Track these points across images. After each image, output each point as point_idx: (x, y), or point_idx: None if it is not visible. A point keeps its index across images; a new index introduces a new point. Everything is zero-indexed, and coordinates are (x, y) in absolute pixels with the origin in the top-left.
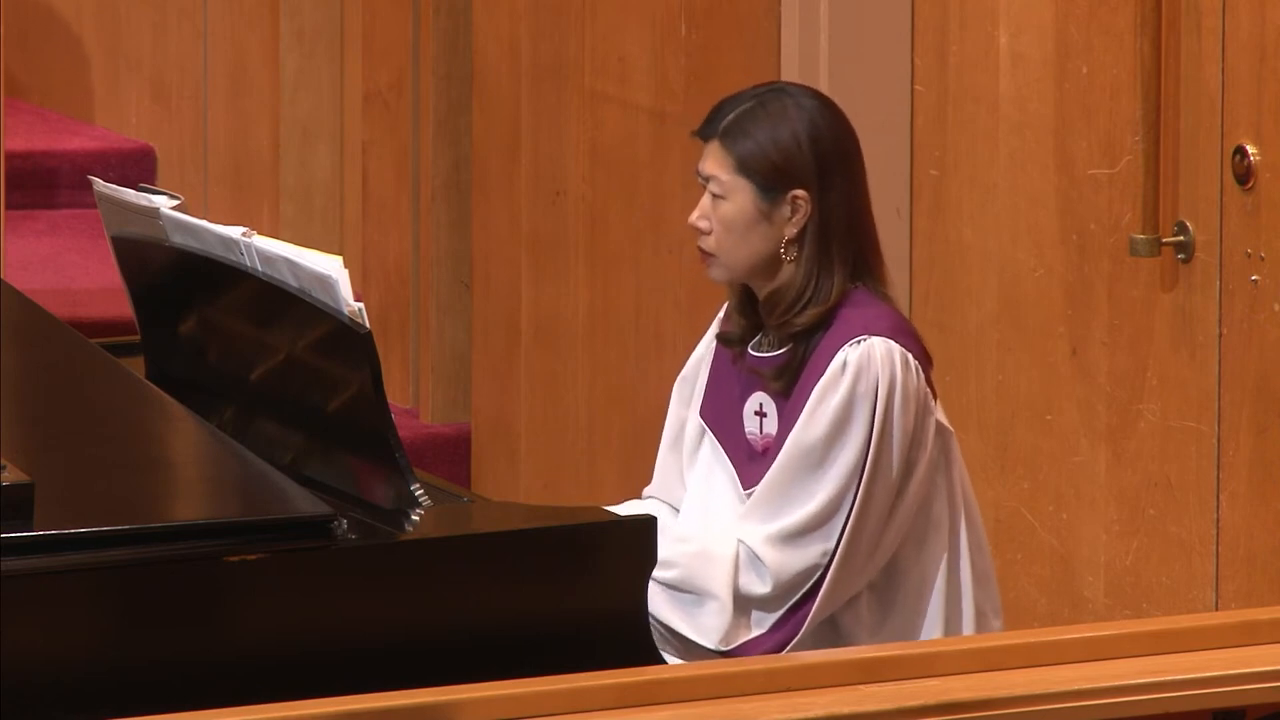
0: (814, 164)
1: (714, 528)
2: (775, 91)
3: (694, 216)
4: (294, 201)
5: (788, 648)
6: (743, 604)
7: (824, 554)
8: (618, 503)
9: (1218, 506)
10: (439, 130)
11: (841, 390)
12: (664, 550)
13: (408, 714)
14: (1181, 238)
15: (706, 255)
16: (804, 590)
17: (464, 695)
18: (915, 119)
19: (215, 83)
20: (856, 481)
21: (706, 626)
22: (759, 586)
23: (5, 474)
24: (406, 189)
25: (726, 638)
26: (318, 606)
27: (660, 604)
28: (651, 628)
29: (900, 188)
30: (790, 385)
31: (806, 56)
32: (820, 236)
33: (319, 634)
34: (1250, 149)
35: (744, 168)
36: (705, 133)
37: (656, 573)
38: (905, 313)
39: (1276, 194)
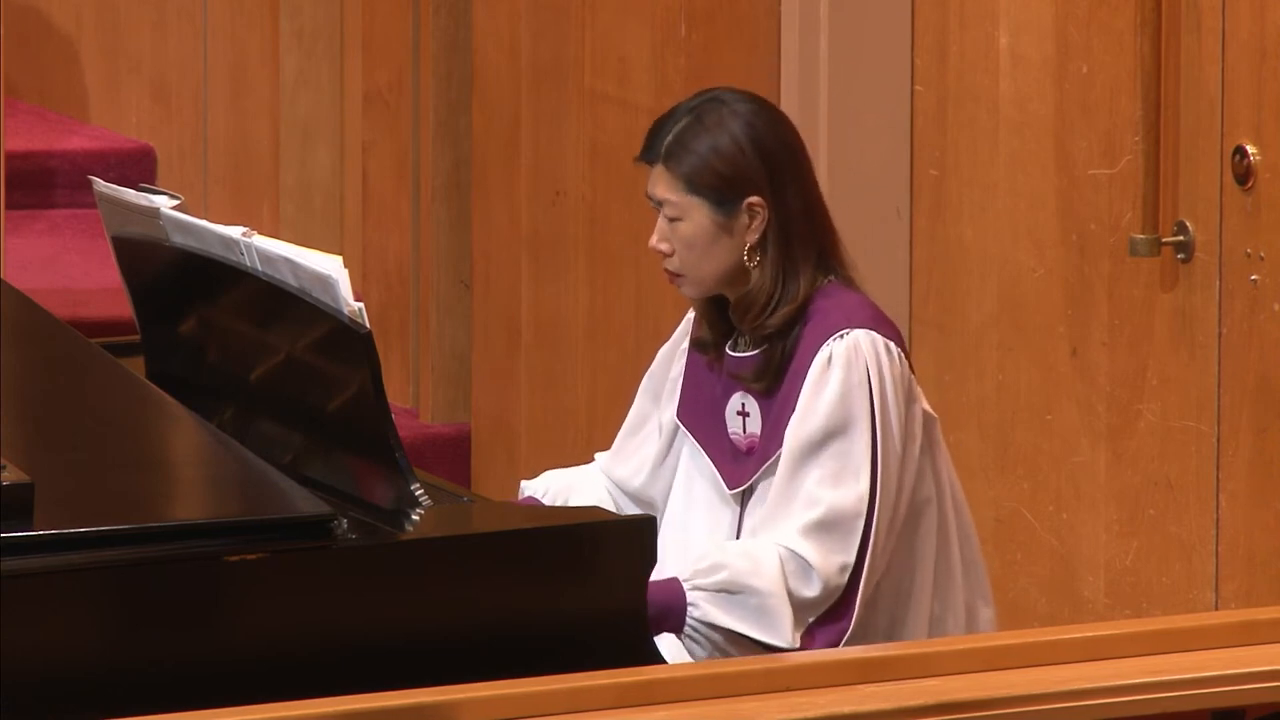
0: (762, 167)
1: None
2: (710, 101)
3: (654, 240)
4: (294, 201)
5: (843, 641)
6: (796, 605)
7: (858, 546)
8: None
9: (1218, 506)
10: (439, 130)
11: (833, 383)
12: (702, 560)
13: (408, 714)
14: (1181, 238)
15: (674, 276)
16: (842, 593)
17: (464, 695)
18: (915, 119)
19: (215, 83)
20: (871, 466)
21: (775, 623)
22: (808, 590)
23: (5, 474)
24: (406, 189)
25: (794, 635)
26: (318, 606)
27: (718, 612)
28: (704, 640)
29: (900, 188)
30: (773, 385)
31: (806, 56)
32: (781, 238)
33: (319, 634)
34: (1250, 149)
35: (693, 186)
36: (648, 157)
37: (701, 580)
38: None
39: (1276, 194)
